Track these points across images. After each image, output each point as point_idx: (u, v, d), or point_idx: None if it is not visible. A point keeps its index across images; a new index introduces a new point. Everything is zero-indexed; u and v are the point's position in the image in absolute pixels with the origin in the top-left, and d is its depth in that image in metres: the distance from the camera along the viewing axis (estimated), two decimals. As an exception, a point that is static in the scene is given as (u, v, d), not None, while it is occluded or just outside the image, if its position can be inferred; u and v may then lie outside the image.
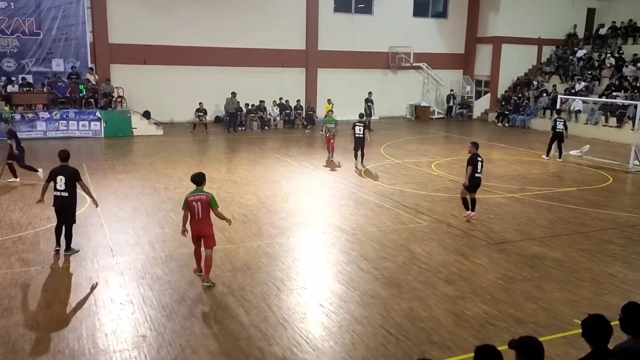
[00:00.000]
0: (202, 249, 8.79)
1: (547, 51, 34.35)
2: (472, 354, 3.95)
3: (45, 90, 23.63)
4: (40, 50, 24.61)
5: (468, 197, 12.29)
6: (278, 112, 28.24)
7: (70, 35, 24.92)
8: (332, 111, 20.19)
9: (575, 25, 34.26)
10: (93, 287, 8.47)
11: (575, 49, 33.02)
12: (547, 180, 16.85)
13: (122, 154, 20.29)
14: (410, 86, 33.44)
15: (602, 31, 33.05)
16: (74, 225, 9.86)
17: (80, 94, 23.90)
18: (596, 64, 30.90)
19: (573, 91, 28.93)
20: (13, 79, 23.70)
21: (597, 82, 29.44)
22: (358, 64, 31.19)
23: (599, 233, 11.66)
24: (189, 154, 20.34)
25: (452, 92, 34.00)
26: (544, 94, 30.26)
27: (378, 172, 17.36)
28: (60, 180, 9.44)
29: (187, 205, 8.53)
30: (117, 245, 10.34)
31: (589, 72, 30.41)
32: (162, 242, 10.53)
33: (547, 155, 20.24)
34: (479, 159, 12.08)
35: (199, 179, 8.67)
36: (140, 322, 7.39)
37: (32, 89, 23.63)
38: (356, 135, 18.03)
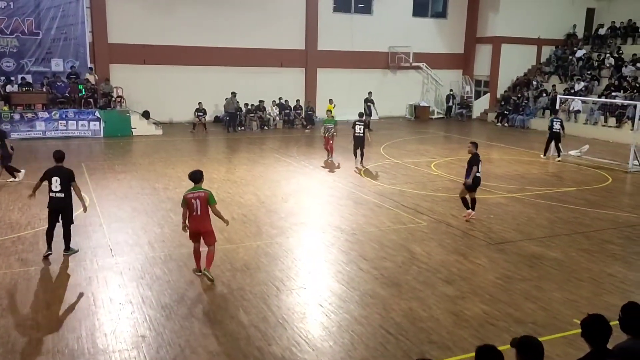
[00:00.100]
0: (202, 248, 8.83)
1: (547, 51, 34.37)
2: (472, 354, 3.95)
3: (44, 90, 23.63)
4: (39, 50, 24.60)
5: (468, 196, 12.30)
6: (277, 112, 28.24)
7: (70, 35, 24.91)
8: (330, 111, 20.18)
9: (574, 25, 34.27)
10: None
11: (575, 49, 33.04)
12: (546, 180, 16.86)
13: (122, 153, 20.28)
14: (410, 86, 33.45)
15: (602, 31, 33.07)
16: (72, 225, 9.78)
17: (80, 94, 23.90)
18: (595, 64, 30.91)
19: (572, 91, 28.95)
20: (12, 78, 23.70)
21: (596, 82, 29.45)
22: (357, 64, 31.20)
23: (598, 233, 11.67)
24: (188, 154, 20.34)
25: (451, 92, 34.01)
26: (544, 94, 30.28)
27: (378, 172, 17.37)
28: (56, 181, 9.35)
29: (186, 203, 8.60)
30: (116, 245, 10.33)
31: (589, 72, 30.42)
32: (162, 242, 10.53)
33: (545, 155, 20.29)
34: (479, 158, 12.11)
35: (197, 177, 8.76)
36: (140, 322, 7.39)
37: (31, 88, 23.63)
38: (356, 134, 18.12)
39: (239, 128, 26.55)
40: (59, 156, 9.62)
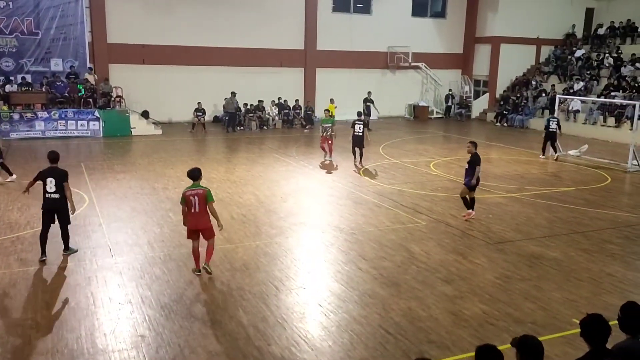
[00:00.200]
0: (201, 247, 8.89)
1: (546, 51, 34.38)
2: (471, 354, 3.96)
3: (43, 89, 23.63)
4: (38, 50, 24.60)
5: (468, 196, 12.32)
6: (277, 112, 28.24)
7: (69, 35, 24.91)
8: (327, 110, 20.17)
9: (573, 25, 34.29)
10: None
11: (574, 48, 33.06)
12: (545, 180, 16.87)
13: (121, 153, 20.27)
14: (409, 86, 33.46)
15: (601, 31, 33.09)
16: (69, 225, 9.72)
17: (79, 94, 23.87)
18: (595, 63, 30.93)
19: (571, 91, 28.97)
20: (12, 78, 23.71)
21: (595, 82, 29.47)
22: (357, 64, 31.21)
23: (597, 233, 11.68)
24: (187, 153, 20.33)
25: (450, 92, 34.03)
26: (543, 94, 30.29)
27: (377, 172, 17.37)
28: (50, 182, 9.28)
29: (185, 200, 8.71)
30: (115, 245, 10.33)
31: (588, 72, 30.44)
32: (161, 242, 10.53)
33: (544, 155, 20.32)
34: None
35: (195, 174, 8.87)
36: (139, 322, 7.39)
37: (30, 88, 23.63)
38: (355, 133, 18.16)
39: (238, 128, 26.54)
40: (53, 157, 9.57)
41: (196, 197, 8.64)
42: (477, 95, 34.77)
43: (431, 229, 11.66)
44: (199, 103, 26.00)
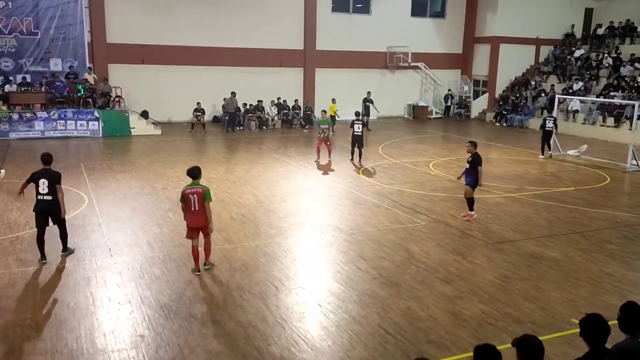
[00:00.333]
0: (200, 247, 8.98)
1: (545, 51, 34.40)
2: (470, 354, 3.95)
3: (43, 89, 23.62)
4: (38, 50, 24.59)
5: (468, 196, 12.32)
6: (276, 112, 28.24)
7: (68, 35, 24.90)
8: (324, 111, 20.16)
9: (573, 25, 34.31)
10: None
11: (573, 48, 33.08)
12: (545, 180, 16.88)
13: (120, 153, 20.26)
14: (408, 86, 33.47)
15: (600, 31, 33.10)
16: (65, 223, 9.67)
17: (78, 94, 23.86)
18: (594, 63, 30.94)
19: (571, 91, 28.98)
20: (11, 78, 23.69)
21: (594, 82, 29.48)
22: (356, 64, 31.22)
23: (596, 233, 11.69)
24: (187, 154, 20.32)
25: (450, 92, 34.04)
26: (542, 94, 30.30)
27: (376, 172, 17.37)
28: (43, 184, 9.21)
29: (184, 198, 8.81)
30: (115, 245, 10.33)
31: (587, 72, 30.46)
32: (161, 242, 10.53)
33: (543, 154, 20.35)
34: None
35: (194, 173, 8.97)
36: (139, 322, 7.39)
37: (30, 88, 23.61)
38: (355, 133, 18.25)
39: (238, 128, 26.54)
40: (46, 159, 9.50)
41: (195, 196, 8.74)
42: (476, 95, 34.77)
43: (430, 229, 11.66)
44: (198, 103, 26.01)
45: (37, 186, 9.26)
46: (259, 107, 27.70)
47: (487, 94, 34.00)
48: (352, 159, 18.67)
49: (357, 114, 19.40)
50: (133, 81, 25.94)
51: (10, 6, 23.84)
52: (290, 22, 29.33)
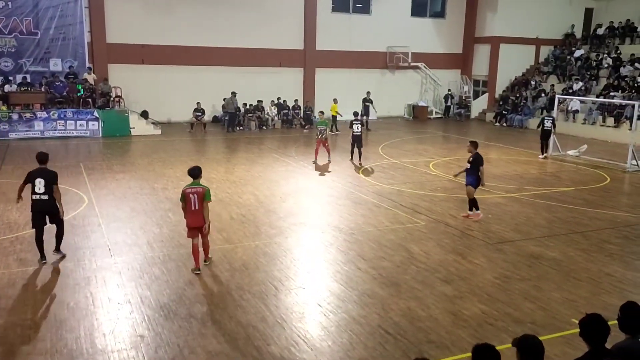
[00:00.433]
0: (200, 243, 9.12)
1: (545, 51, 34.40)
2: (470, 354, 3.95)
3: (43, 89, 23.61)
4: (38, 50, 24.58)
5: (469, 196, 12.31)
6: (276, 112, 28.23)
7: (68, 35, 24.89)
8: (322, 112, 20.14)
9: (572, 25, 34.32)
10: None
11: (573, 49, 33.08)
12: (545, 180, 16.88)
13: (120, 153, 20.25)
14: (408, 86, 33.47)
15: (600, 31, 33.11)
16: (64, 225, 9.63)
17: (78, 94, 23.85)
18: (594, 64, 30.94)
19: (571, 91, 28.98)
20: (11, 78, 23.69)
21: (594, 82, 29.49)
22: (356, 64, 31.21)
23: (596, 233, 11.69)
24: (187, 154, 20.32)
25: (449, 92, 34.03)
26: (542, 94, 30.30)
27: (376, 172, 17.37)
28: (39, 183, 9.11)
29: (184, 197, 8.87)
30: (115, 245, 10.32)
31: (587, 72, 30.46)
32: (160, 242, 10.52)
33: (542, 154, 20.36)
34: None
35: (195, 172, 9.05)
36: (138, 322, 7.39)
37: (30, 88, 23.60)
38: (354, 133, 18.27)
39: (238, 128, 26.53)
40: (42, 158, 9.42)
41: (195, 195, 8.81)
42: (476, 95, 34.77)
43: (430, 229, 11.66)
44: (198, 103, 26.02)
45: (33, 185, 9.16)
46: (258, 107, 27.70)
47: (487, 94, 33.99)
48: (351, 159, 18.71)
49: (355, 113, 19.42)
50: (133, 81, 25.94)
51: (10, 6, 23.82)
52: (290, 22, 29.33)
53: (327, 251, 10.32)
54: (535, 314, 7.81)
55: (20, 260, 9.46)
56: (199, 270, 9.02)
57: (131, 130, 24.03)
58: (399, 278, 9.01)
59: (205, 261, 9.32)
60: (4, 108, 22.25)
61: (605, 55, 30.79)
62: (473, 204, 12.32)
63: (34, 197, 9.19)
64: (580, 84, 29.25)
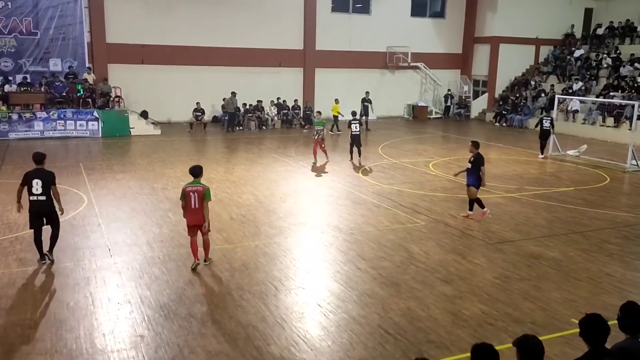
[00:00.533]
0: (199, 245, 9.15)
1: (545, 51, 34.40)
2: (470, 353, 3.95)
3: (42, 89, 23.60)
4: (37, 50, 24.57)
5: (468, 196, 12.30)
6: (276, 112, 28.23)
7: (68, 35, 24.89)
8: (319, 112, 20.14)
9: (572, 25, 34.32)
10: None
11: (573, 49, 33.07)
12: (544, 180, 16.88)
13: (120, 153, 20.25)
14: (408, 86, 33.46)
15: (600, 31, 33.10)
16: (59, 228, 9.54)
17: (78, 94, 23.85)
18: (593, 64, 30.94)
19: (570, 91, 28.98)
20: (10, 78, 23.68)
21: (594, 82, 29.49)
22: (356, 64, 31.20)
23: (596, 233, 11.69)
24: (186, 154, 20.31)
25: (449, 92, 34.03)
26: (542, 94, 30.30)
27: (376, 172, 17.37)
28: (37, 184, 9.03)
29: (184, 196, 8.93)
30: (114, 245, 10.32)
31: (587, 72, 30.46)
32: (160, 242, 10.52)
33: (542, 154, 20.37)
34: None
35: (196, 171, 9.14)
36: (138, 322, 7.38)
37: (29, 88, 23.59)
38: (353, 132, 18.30)
39: (237, 128, 26.53)
40: (38, 158, 9.32)
41: (195, 194, 8.88)
42: (476, 95, 34.76)
43: (430, 229, 11.66)
44: (197, 103, 26.03)
45: (30, 186, 9.07)
46: (258, 107, 27.69)
47: (486, 94, 33.99)
48: (351, 159, 18.71)
49: (353, 113, 19.44)
50: (133, 81, 25.92)
51: (10, 6, 23.82)
52: (290, 22, 29.32)
53: (326, 251, 10.32)
54: (535, 314, 7.81)
55: (20, 260, 9.46)
56: (198, 262, 9.11)
57: (131, 130, 24.03)
58: (398, 278, 9.01)
59: (205, 261, 9.34)
60: (4, 108, 22.25)
61: (605, 55, 30.79)
62: (478, 203, 12.30)
63: (31, 198, 9.13)
64: (580, 84, 29.25)
